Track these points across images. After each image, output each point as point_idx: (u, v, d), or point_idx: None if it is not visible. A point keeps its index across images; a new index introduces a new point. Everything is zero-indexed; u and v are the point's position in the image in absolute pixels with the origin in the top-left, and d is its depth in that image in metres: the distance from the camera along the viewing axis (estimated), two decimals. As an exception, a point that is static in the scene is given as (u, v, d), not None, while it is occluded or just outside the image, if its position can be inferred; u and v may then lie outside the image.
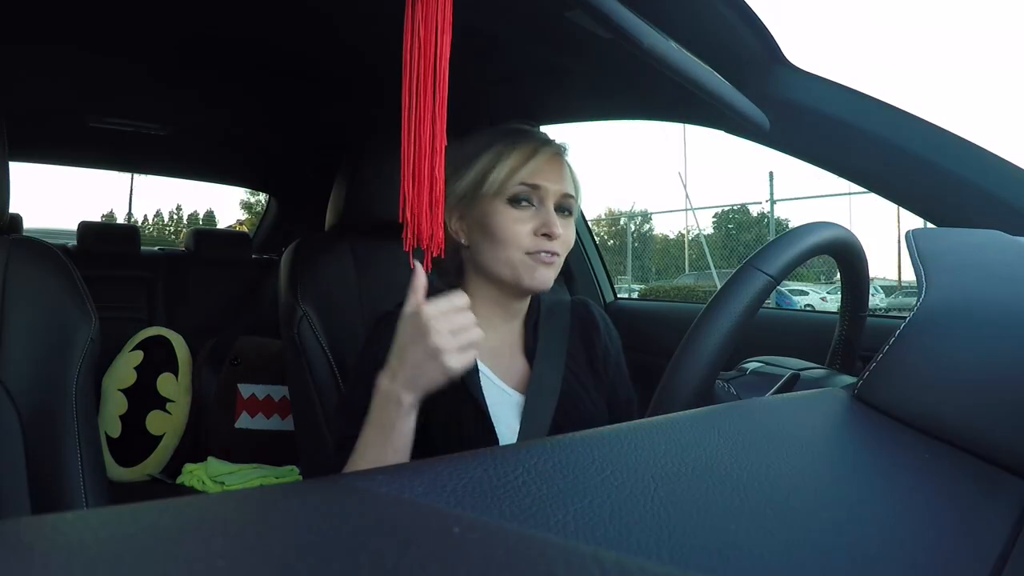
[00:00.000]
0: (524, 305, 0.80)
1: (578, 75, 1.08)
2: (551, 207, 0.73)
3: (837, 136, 0.86)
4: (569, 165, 0.78)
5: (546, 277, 0.73)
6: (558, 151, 0.76)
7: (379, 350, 0.72)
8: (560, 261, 0.74)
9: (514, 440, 0.71)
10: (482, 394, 0.72)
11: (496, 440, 0.71)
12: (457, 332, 0.58)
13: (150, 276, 1.92)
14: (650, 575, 0.18)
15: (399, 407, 0.59)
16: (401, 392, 0.59)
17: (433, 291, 0.78)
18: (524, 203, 0.73)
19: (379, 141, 1.12)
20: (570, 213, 0.76)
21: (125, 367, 1.62)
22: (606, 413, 0.80)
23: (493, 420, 0.71)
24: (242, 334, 1.76)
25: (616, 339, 0.86)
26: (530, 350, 0.78)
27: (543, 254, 0.72)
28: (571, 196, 0.75)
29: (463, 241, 0.76)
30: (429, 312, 0.57)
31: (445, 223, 0.72)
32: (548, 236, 0.72)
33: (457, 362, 0.57)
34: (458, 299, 0.59)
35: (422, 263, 0.58)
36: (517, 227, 0.72)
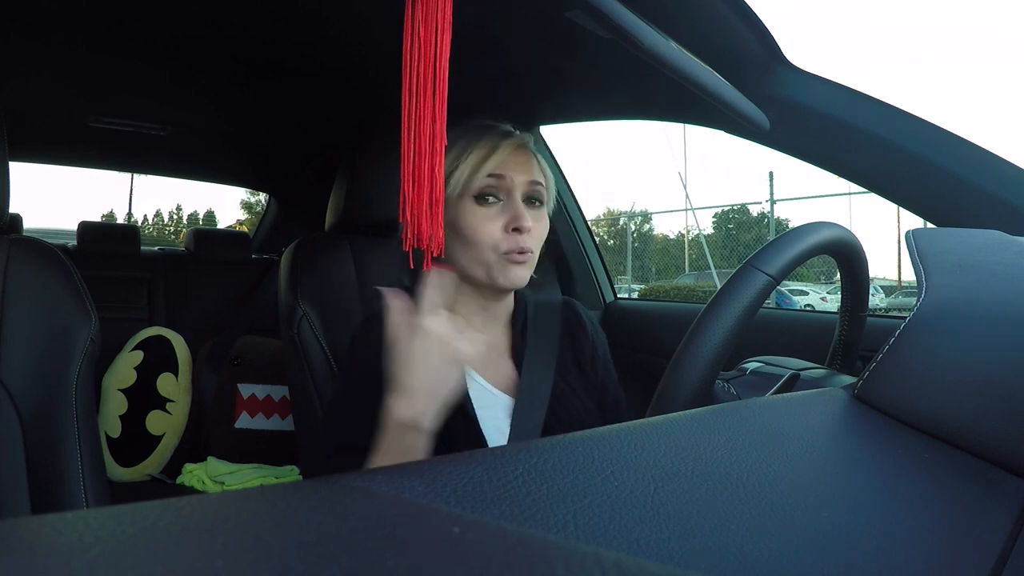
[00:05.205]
0: (506, 307, 0.79)
1: (578, 75, 1.08)
2: (519, 199, 0.72)
3: (837, 136, 0.86)
4: (536, 155, 0.76)
5: (520, 276, 0.72)
6: (522, 142, 0.74)
7: (366, 353, 0.71)
8: (534, 257, 0.73)
9: (503, 443, 0.70)
10: (469, 397, 0.71)
11: (484, 443, 0.70)
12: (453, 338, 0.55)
13: (150, 276, 1.92)
14: (650, 575, 0.18)
15: (419, 434, 0.53)
16: (421, 416, 0.53)
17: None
18: (491, 199, 0.71)
19: (379, 141, 1.12)
20: (541, 203, 0.75)
21: (125, 367, 1.62)
22: (596, 415, 0.80)
23: (481, 423, 0.70)
24: (242, 334, 1.76)
25: (603, 340, 0.86)
26: (517, 353, 0.77)
27: (515, 254, 0.71)
28: (539, 183, 0.74)
29: None
30: (439, 326, 0.54)
31: None
32: (519, 230, 0.70)
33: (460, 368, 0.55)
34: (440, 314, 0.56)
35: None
36: (486, 225, 0.71)
